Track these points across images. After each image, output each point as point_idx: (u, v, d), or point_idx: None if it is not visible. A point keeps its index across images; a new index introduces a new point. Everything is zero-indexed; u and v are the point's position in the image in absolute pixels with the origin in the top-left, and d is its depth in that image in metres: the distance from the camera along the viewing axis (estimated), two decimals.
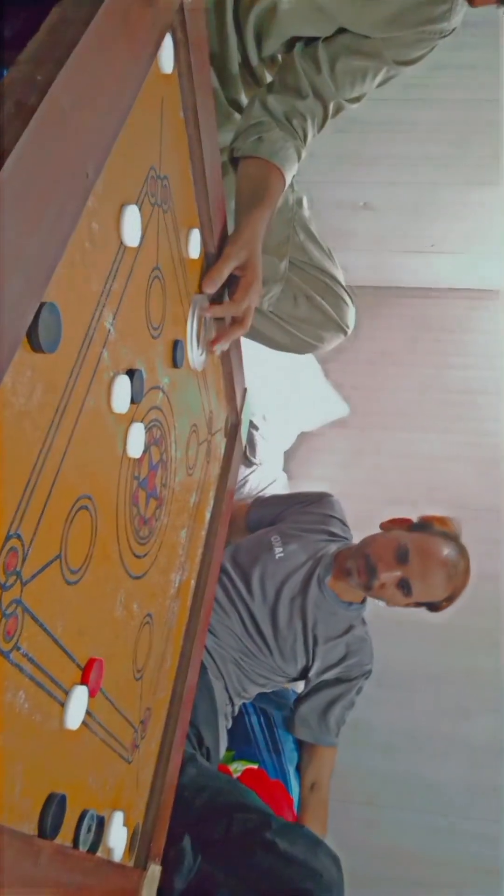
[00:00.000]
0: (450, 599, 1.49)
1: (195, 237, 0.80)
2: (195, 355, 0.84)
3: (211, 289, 0.85)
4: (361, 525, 1.62)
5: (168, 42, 0.62)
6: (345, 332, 1.35)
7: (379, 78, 1.07)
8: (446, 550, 1.46)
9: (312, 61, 1.05)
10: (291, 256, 1.29)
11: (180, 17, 0.62)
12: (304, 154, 1.08)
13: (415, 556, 1.44)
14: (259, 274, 0.90)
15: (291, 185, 1.28)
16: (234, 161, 1.07)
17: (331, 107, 1.08)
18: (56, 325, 0.44)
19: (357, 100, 1.10)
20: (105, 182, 0.51)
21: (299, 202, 1.33)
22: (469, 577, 1.49)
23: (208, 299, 0.86)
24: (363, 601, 1.57)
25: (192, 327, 0.82)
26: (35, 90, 0.39)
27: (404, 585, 1.44)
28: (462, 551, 1.49)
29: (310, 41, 1.07)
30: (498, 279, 2.44)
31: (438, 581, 1.45)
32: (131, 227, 0.57)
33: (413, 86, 1.69)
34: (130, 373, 0.60)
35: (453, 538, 1.49)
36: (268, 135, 1.04)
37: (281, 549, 1.53)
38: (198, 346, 0.85)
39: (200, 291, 0.85)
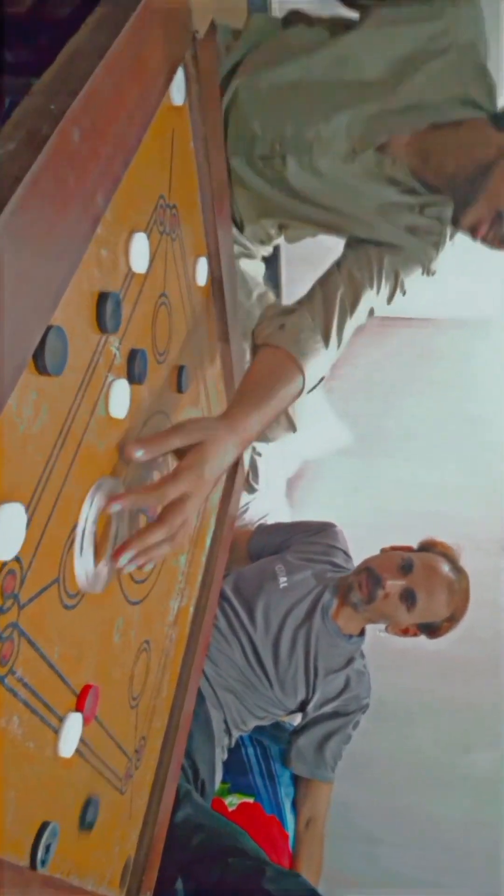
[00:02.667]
0: (451, 620, 1.48)
1: (202, 265, 0.81)
2: (84, 566, 0.54)
3: (132, 453, 0.60)
4: (363, 553, 1.61)
5: (180, 75, 0.63)
6: (294, 431, 1.31)
7: (388, 279, 1.05)
8: (447, 568, 1.47)
9: (336, 278, 1.03)
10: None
11: (192, 51, 0.63)
12: (334, 358, 0.99)
13: (419, 568, 1.44)
14: (205, 465, 0.68)
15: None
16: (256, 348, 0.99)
17: (359, 306, 1.03)
18: (62, 348, 0.45)
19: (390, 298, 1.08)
20: (115, 210, 0.52)
21: (260, 298, 1.30)
22: (468, 601, 1.49)
23: (122, 485, 0.60)
24: (362, 633, 1.55)
25: (85, 519, 0.53)
26: (48, 120, 0.40)
27: (409, 597, 1.43)
28: (462, 572, 1.49)
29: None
30: (498, 309, 2.46)
31: (442, 595, 1.44)
32: (139, 254, 0.58)
33: None
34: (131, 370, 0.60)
35: (453, 560, 1.50)
36: (291, 319, 0.95)
37: (285, 579, 1.52)
38: (92, 553, 0.55)
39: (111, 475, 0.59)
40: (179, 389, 0.77)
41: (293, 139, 0.99)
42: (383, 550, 1.57)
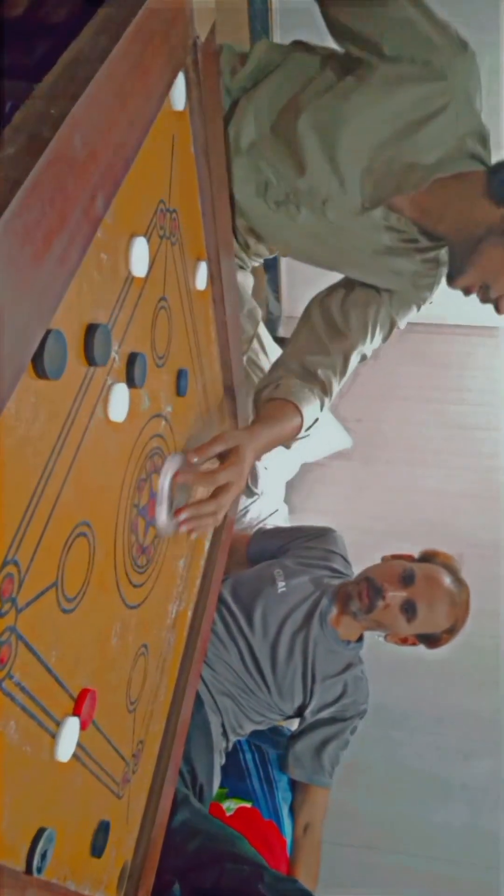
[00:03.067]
0: (450, 632, 1.48)
1: (202, 269, 0.81)
2: (162, 519, 0.77)
3: (194, 458, 0.83)
4: (361, 558, 1.61)
5: (181, 80, 0.63)
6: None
7: (382, 327, 1.16)
8: (449, 580, 1.46)
9: (326, 318, 1.16)
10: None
11: (193, 56, 0.63)
12: (327, 403, 1.14)
13: (421, 580, 1.44)
14: (243, 464, 0.92)
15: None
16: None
17: (352, 357, 1.15)
18: (61, 352, 0.45)
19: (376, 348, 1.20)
20: (115, 214, 0.52)
21: (251, 313, 1.45)
22: (469, 612, 1.48)
23: (185, 462, 0.81)
24: (360, 640, 1.55)
25: (164, 487, 0.77)
26: (49, 124, 0.40)
27: (409, 608, 1.42)
28: (463, 584, 1.49)
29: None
30: (498, 316, 2.46)
31: (443, 607, 1.44)
32: (139, 258, 0.58)
33: None
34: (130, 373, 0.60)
35: (454, 571, 1.49)
36: (285, 381, 1.11)
37: (283, 584, 1.52)
38: (169, 510, 0.78)
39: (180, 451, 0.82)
40: (179, 393, 0.78)
41: (307, 193, 1.05)
42: (384, 559, 1.56)
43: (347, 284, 1.18)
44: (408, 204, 1.02)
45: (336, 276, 1.22)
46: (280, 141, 1.04)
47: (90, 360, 0.50)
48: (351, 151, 1.00)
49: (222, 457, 0.90)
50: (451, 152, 0.99)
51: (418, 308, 1.18)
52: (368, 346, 1.16)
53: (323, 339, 1.14)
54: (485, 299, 1.02)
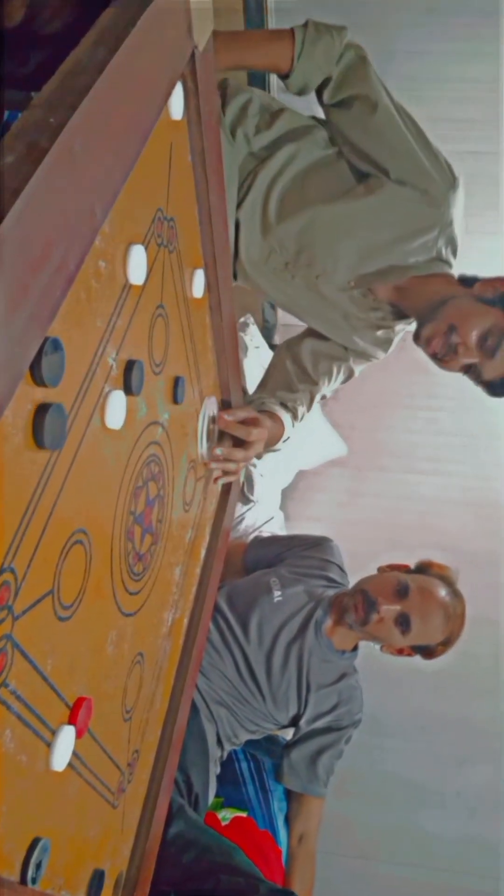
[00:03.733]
0: (445, 644, 1.48)
1: (199, 277, 0.81)
2: (203, 449, 0.94)
3: (229, 416, 1.02)
4: (357, 566, 1.61)
5: (178, 90, 0.64)
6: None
7: (342, 376, 1.38)
8: (444, 592, 1.45)
9: (296, 363, 1.35)
10: None
11: (191, 66, 0.64)
12: (296, 423, 1.31)
13: (415, 593, 1.43)
14: (265, 431, 1.10)
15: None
16: None
17: (316, 397, 1.35)
18: (59, 359, 0.45)
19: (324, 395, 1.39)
20: (113, 222, 0.52)
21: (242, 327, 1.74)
22: (464, 624, 1.48)
23: (219, 407, 0.99)
24: (355, 649, 1.55)
25: (202, 424, 0.93)
26: (47, 133, 0.40)
27: (403, 622, 1.42)
28: (459, 596, 1.48)
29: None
30: None
31: (437, 620, 1.43)
32: (137, 266, 0.58)
33: None
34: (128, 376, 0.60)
35: (450, 583, 1.49)
36: (265, 402, 1.27)
37: (279, 593, 1.52)
38: (207, 441, 0.95)
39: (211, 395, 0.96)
40: (175, 401, 0.78)
41: (304, 267, 1.25)
42: (380, 569, 1.56)
43: (315, 334, 1.37)
44: (388, 291, 1.24)
45: None
46: (290, 221, 1.21)
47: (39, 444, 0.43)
48: (351, 246, 1.20)
49: (244, 423, 1.06)
50: (431, 259, 1.21)
51: (373, 360, 1.40)
52: (328, 390, 1.38)
53: (293, 381, 1.33)
54: (444, 351, 1.15)
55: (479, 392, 1.22)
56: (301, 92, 1.18)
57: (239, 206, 1.23)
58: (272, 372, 1.39)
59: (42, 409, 0.44)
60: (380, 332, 1.32)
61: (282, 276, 1.28)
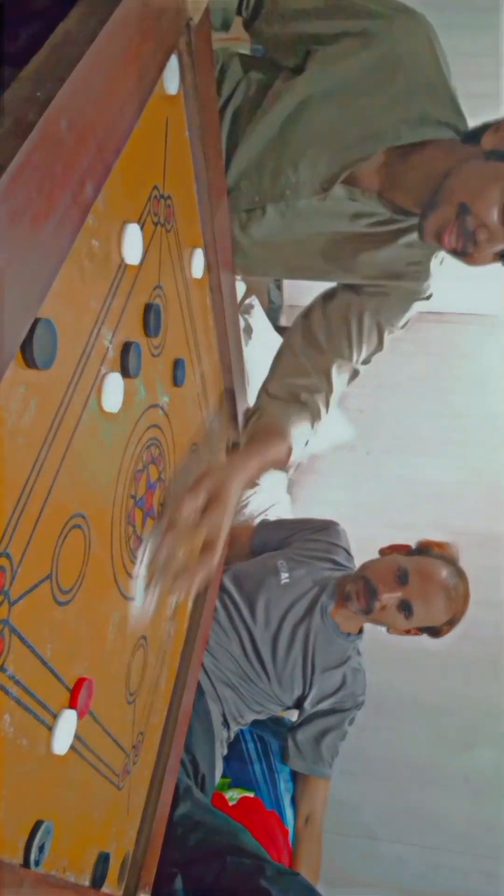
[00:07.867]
0: (451, 623, 1.48)
1: (199, 257, 0.80)
2: (139, 592, 0.69)
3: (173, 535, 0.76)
4: (363, 549, 1.61)
5: (173, 63, 0.62)
6: None
7: (366, 331, 1.09)
8: (445, 573, 1.46)
9: (306, 335, 1.11)
10: None
11: (186, 39, 0.62)
12: (318, 424, 1.10)
13: (415, 577, 1.44)
14: (227, 507, 0.83)
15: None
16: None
17: (333, 373, 1.10)
18: (52, 341, 0.44)
19: (367, 360, 1.14)
20: (106, 200, 0.51)
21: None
22: (469, 602, 1.48)
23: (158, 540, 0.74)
24: (360, 632, 1.55)
25: (142, 558, 0.69)
26: (35, 107, 0.39)
27: (405, 607, 1.43)
28: (461, 575, 1.48)
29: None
30: (497, 304, 2.44)
31: (439, 603, 1.44)
32: (132, 245, 0.57)
33: None
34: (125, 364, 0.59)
35: (451, 562, 1.49)
36: (269, 408, 1.08)
37: (287, 575, 1.52)
38: (149, 584, 0.71)
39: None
40: (176, 383, 0.77)
41: (270, 188, 1.01)
42: (381, 552, 1.57)
43: (327, 295, 1.14)
44: (375, 178, 0.98)
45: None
46: (246, 149, 1.01)
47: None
48: (305, 136, 0.97)
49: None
50: (408, 120, 0.93)
51: (419, 299, 1.11)
52: (355, 359, 1.11)
53: (302, 361, 1.11)
54: (461, 243, 0.89)
55: (483, 373, 1.18)
56: (225, 24, 1.00)
57: None
58: (282, 353, 1.16)
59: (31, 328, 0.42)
60: (402, 251, 1.04)
61: (257, 220, 1.04)
